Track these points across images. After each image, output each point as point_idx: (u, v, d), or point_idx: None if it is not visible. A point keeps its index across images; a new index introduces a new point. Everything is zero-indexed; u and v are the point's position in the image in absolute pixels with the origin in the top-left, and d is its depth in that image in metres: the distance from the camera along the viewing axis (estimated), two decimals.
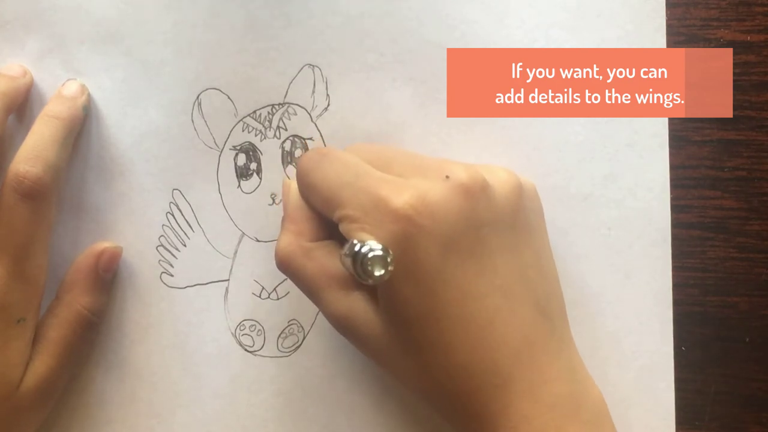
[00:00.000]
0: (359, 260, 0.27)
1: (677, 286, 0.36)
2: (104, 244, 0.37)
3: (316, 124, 0.37)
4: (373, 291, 0.31)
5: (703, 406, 0.36)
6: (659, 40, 0.36)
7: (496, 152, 0.36)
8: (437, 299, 0.30)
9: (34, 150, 0.34)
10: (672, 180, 0.36)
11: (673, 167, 0.36)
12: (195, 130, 0.37)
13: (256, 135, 0.37)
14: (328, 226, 0.33)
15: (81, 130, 0.37)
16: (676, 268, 0.36)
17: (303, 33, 0.37)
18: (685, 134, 0.36)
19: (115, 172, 0.38)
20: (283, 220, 0.34)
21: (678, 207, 0.36)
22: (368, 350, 0.32)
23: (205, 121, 0.37)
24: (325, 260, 0.32)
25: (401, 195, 0.29)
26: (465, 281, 0.30)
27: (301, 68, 0.37)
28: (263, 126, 0.37)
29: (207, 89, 0.37)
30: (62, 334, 0.36)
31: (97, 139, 0.38)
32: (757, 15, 0.36)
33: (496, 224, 0.30)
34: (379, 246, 0.27)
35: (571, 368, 0.32)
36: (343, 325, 0.32)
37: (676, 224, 0.36)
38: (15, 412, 0.35)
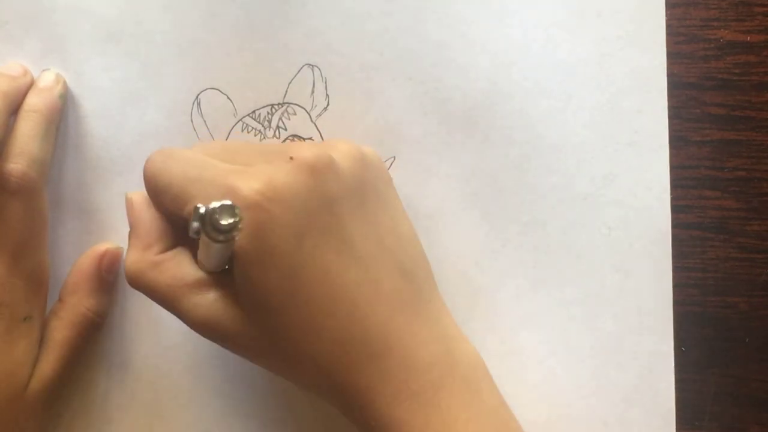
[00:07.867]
0: (207, 218, 0.25)
1: (677, 286, 0.36)
2: (105, 245, 0.37)
3: (315, 124, 0.37)
4: (232, 288, 0.30)
5: (703, 406, 0.36)
6: (659, 40, 0.36)
7: (496, 152, 0.36)
8: (299, 282, 0.29)
9: (16, 146, 0.34)
10: (672, 180, 0.36)
11: (673, 167, 0.36)
12: (194, 130, 0.37)
13: (255, 135, 0.37)
14: (178, 233, 0.32)
15: (82, 131, 0.37)
16: (676, 268, 0.36)
17: (303, 33, 0.37)
18: (685, 134, 0.36)
19: (115, 172, 0.38)
20: (129, 235, 0.32)
21: (678, 207, 0.36)
22: (239, 348, 0.31)
23: (205, 121, 0.37)
24: (176, 269, 0.31)
25: (248, 183, 0.29)
26: (324, 259, 0.29)
27: (301, 68, 0.37)
28: (263, 126, 0.37)
29: (206, 89, 0.37)
30: (67, 337, 0.36)
31: (97, 139, 0.38)
32: (757, 15, 0.36)
33: (346, 197, 0.30)
34: (225, 200, 0.26)
35: (444, 327, 0.32)
36: (207, 330, 0.31)
37: (676, 224, 0.36)
38: (22, 413, 0.35)
